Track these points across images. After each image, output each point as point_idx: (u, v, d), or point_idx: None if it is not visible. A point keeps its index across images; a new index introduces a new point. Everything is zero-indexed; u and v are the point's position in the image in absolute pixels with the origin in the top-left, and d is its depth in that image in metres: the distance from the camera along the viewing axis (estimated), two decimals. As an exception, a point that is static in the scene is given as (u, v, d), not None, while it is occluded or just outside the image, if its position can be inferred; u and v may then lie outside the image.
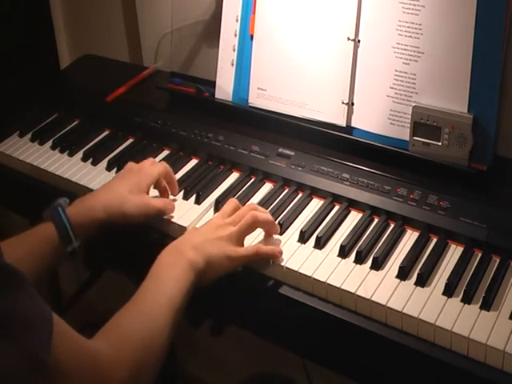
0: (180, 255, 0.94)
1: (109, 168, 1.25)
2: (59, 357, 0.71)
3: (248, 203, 1.09)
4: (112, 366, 0.78)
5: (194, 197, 1.15)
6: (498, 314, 0.88)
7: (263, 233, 1.04)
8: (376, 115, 1.16)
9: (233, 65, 1.30)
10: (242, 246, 1.01)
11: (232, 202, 1.06)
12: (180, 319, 0.90)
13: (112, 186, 1.08)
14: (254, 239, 1.04)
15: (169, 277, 0.91)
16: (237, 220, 1.01)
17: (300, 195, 1.13)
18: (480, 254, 0.98)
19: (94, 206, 1.03)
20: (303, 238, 1.03)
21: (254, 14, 1.26)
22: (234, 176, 1.20)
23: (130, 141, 1.32)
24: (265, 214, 1.03)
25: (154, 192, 1.14)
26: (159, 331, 0.86)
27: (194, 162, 1.25)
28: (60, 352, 0.71)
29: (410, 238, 1.03)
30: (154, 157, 1.25)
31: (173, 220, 1.10)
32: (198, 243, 0.97)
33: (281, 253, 1.00)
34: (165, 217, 1.10)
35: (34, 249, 0.98)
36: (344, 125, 1.19)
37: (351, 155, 1.16)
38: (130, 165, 1.14)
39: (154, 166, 1.13)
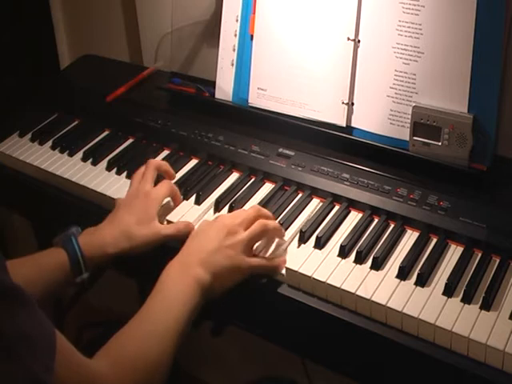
0: (187, 272, 0.92)
1: (109, 168, 1.25)
2: (61, 379, 0.70)
3: (247, 205, 1.08)
4: None
5: (193, 197, 1.15)
6: (498, 314, 0.88)
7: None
8: (376, 115, 1.16)
9: (233, 65, 1.30)
10: (251, 254, 0.99)
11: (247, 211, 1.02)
12: (184, 339, 0.88)
13: (120, 219, 1.04)
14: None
15: (175, 296, 0.89)
16: (245, 223, 0.99)
17: (300, 195, 1.13)
18: (480, 254, 0.98)
19: (104, 241, 1.01)
20: (303, 237, 1.03)
21: (254, 13, 1.26)
22: (234, 176, 1.20)
23: (130, 141, 1.32)
24: (274, 222, 1.02)
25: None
26: (164, 353, 0.84)
27: (194, 161, 1.25)
28: (62, 374, 0.70)
29: (410, 238, 1.03)
30: (154, 157, 1.26)
31: (173, 220, 1.10)
32: (205, 257, 0.94)
33: (285, 262, 0.99)
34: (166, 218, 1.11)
35: (43, 272, 0.97)
36: (344, 125, 1.19)
37: (351, 155, 1.16)
38: (135, 190, 1.09)
39: (160, 189, 1.09)
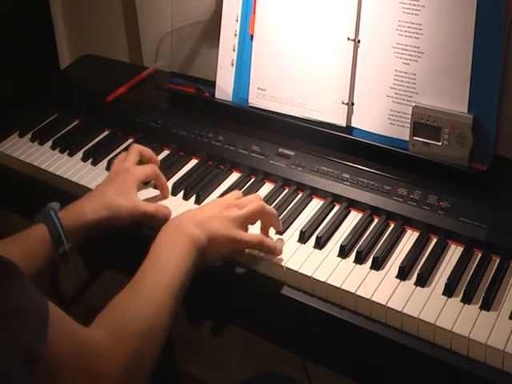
0: (182, 231, 0.92)
1: (109, 168, 1.24)
2: (54, 348, 0.70)
3: (255, 194, 1.08)
4: (108, 356, 0.77)
5: (194, 197, 1.15)
6: (498, 314, 0.88)
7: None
8: (376, 115, 1.16)
9: (233, 65, 1.30)
10: (246, 231, 1.01)
11: (237, 193, 1.06)
12: (181, 301, 0.87)
13: (100, 191, 1.08)
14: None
15: (169, 256, 0.89)
16: (244, 203, 1.00)
17: (300, 195, 1.13)
18: (480, 254, 0.98)
19: (84, 210, 1.04)
20: (303, 237, 1.03)
21: (254, 13, 1.26)
22: (234, 176, 1.20)
23: (129, 141, 1.32)
24: (272, 209, 1.03)
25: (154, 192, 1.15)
26: (160, 316, 0.84)
27: (193, 161, 1.25)
28: (55, 343, 0.70)
29: (410, 238, 1.03)
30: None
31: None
32: (201, 219, 0.95)
33: (281, 252, 1.00)
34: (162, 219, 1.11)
35: (27, 248, 0.98)
36: (344, 125, 1.19)
37: (351, 155, 1.16)
38: (116, 167, 1.13)
39: (141, 167, 1.13)
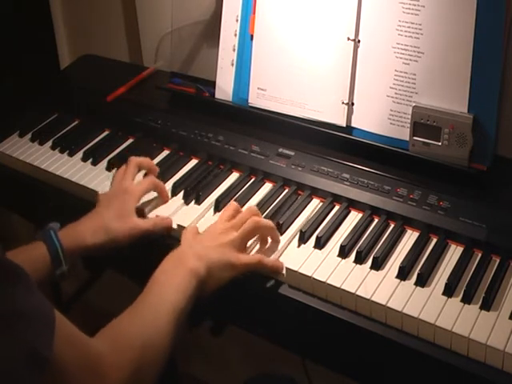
0: (182, 263, 0.95)
1: (109, 168, 1.25)
2: (61, 354, 0.71)
3: (248, 205, 1.09)
4: (112, 365, 0.78)
5: (194, 197, 1.15)
6: (498, 314, 0.88)
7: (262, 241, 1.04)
8: (376, 115, 1.16)
9: (233, 65, 1.30)
10: (245, 252, 1.01)
11: (232, 206, 1.06)
12: (183, 326, 0.90)
13: (99, 214, 1.08)
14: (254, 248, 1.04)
15: (171, 284, 0.92)
16: (238, 224, 1.01)
17: (300, 195, 1.13)
18: (480, 254, 0.98)
19: (83, 233, 1.05)
20: (303, 237, 1.03)
21: (254, 13, 1.26)
22: (234, 176, 1.20)
23: (129, 141, 1.32)
24: (266, 220, 1.03)
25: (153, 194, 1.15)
26: (159, 334, 0.86)
27: (194, 161, 1.25)
28: (62, 350, 0.71)
29: (410, 238, 1.03)
30: (154, 157, 1.26)
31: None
32: (199, 250, 0.97)
33: (282, 269, 0.99)
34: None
35: (25, 265, 0.98)
36: (344, 125, 1.19)
37: (351, 155, 1.16)
38: (116, 187, 1.13)
39: (139, 185, 1.13)
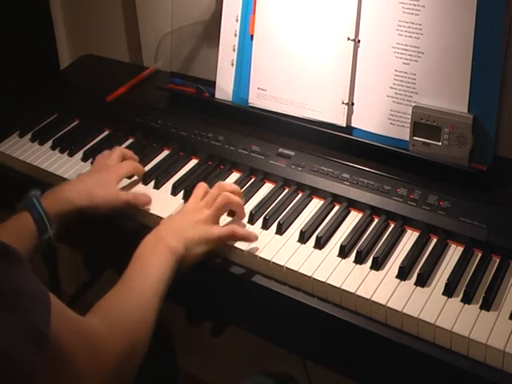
0: (161, 243, 0.99)
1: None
2: (58, 333, 0.72)
3: (217, 184, 1.09)
4: (106, 340, 0.81)
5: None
6: (497, 314, 0.88)
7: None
8: (376, 115, 1.16)
9: (233, 65, 1.30)
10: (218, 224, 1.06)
11: (201, 186, 1.09)
12: (162, 303, 0.94)
13: (80, 180, 1.13)
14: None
15: (152, 264, 0.96)
16: (210, 202, 1.05)
17: (300, 195, 1.13)
18: (480, 254, 0.98)
19: (65, 197, 1.08)
20: (303, 237, 1.03)
21: (254, 13, 1.26)
22: (234, 176, 1.20)
23: (130, 141, 1.32)
24: (236, 197, 1.06)
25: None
26: (147, 309, 0.90)
27: (193, 162, 1.25)
28: (58, 328, 0.72)
29: (410, 238, 1.03)
30: (154, 157, 1.26)
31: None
32: (177, 230, 1.01)
33: (256, 237, 1.03)
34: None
35: (12, 237, 0.99)
36: (344, 125, 1.19)
37: (351, 155, 1.16)
38: (99, 164, 1.18)
39: (122, 165, 1.18)
